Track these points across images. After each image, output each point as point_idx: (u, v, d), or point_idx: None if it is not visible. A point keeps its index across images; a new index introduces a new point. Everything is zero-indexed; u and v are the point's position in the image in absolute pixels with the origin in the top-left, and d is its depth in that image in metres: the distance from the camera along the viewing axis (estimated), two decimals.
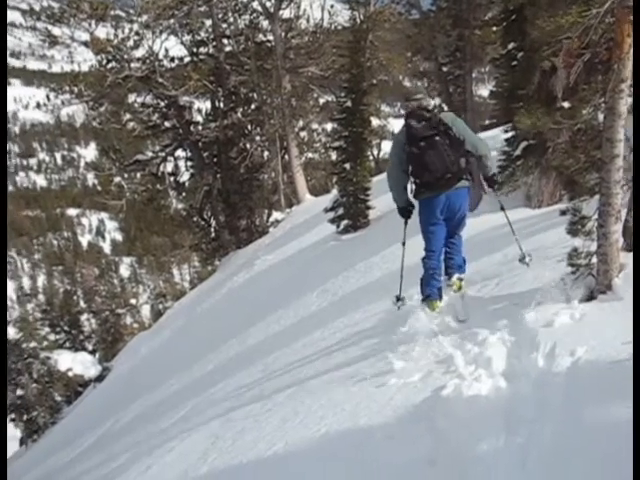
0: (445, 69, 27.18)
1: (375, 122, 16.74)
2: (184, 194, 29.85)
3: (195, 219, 29.59)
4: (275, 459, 4.09)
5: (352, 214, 15.07)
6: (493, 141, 14.54)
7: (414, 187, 6.14)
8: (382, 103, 39.05)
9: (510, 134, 11.61)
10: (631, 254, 4.94)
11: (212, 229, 29.20)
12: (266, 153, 29.27)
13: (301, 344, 8.18)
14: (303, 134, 30.15)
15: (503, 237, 8.72)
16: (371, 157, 24.87)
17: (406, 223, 6.53)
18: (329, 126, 30.01)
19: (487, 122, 24.70)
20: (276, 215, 29.01)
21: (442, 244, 6.31)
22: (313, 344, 7.58)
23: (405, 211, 6.38)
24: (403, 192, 6.27)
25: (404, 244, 6.81)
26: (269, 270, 16.74)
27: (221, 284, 19.10)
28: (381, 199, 15.34)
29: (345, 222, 15.22)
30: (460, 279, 6.39)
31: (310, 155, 31.50)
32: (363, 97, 15.03)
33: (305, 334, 8.42)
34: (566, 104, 8.79)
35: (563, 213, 5.28)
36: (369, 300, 8.34)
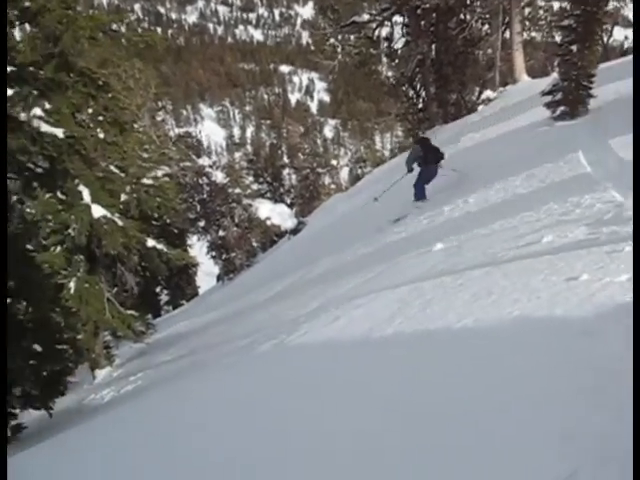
0: None
1: (612, 3, 15.22)
2: (396, 61, 29.39)
3: (404, 88, 29.19)
4: (464, 333, 4.09)
5: (571, 100, 14.10)
6: None
7: (422, 163, 13.80)
8: None
9: None
10: None
11: (420, 100, 28.70)
12: (486, 27, 27.80)
13: (498, 225, 7.99)
14: (528, 10, 28.15)
15: None
16: (600, 42, 22.84)
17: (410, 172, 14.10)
18: (556, 4, 27.71)
19: None
20: (487, 93, 27.92)
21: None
22: (513, 228, 7.37)
23: (410, 170, 13.97)
24: (412, 168, 13.96)
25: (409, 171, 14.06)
26: (473, 148, 16.34)
27: None
28: (605, 88, 14.18)
29: (562, 108, 14.31)
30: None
31: (533, 34, 29.50)
32: None
33: (504, 217, 8.19)
34: None
35: None
36: (578, 191, 7.91)
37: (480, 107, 26.08)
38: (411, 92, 29.23)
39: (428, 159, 13.75)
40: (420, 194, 13.91)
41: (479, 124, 19.54)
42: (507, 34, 25.73)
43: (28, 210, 15.75)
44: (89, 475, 4.51)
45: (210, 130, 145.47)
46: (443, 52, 26.92)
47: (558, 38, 17.59)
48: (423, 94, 28.56)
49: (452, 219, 10.60)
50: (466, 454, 2.60)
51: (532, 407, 2.78)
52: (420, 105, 29.02)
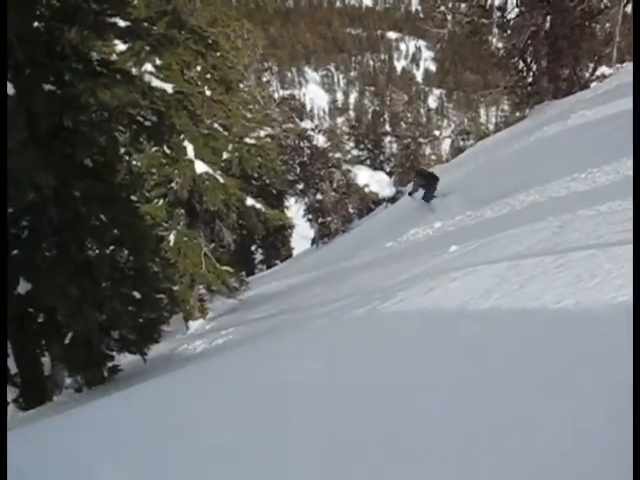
0: None
1: None
2: (508, 32, 28.44)
3: (514, 60, 28.28)
4: (563, 314, 3.95)
5: None
6: None
7: (424, 187, 17.90)
8: None
9: None
10: None
11: (530, 73, 27.76)
12: None
13: (606, 207, 7.67)
14: None
15: None
16: None
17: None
18: None
19: None
20: (603, 70, 26.69)
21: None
22: (622, 211, 7.04)
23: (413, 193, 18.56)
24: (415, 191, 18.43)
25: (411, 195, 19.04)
26: (584, 126, 15.70)
27: (529, 132, 18.41)
28: None
29: None
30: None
31: None
32: None
33: (613, 199, 7.85)
34: None
35: None
36: None
37: (594, 84, 24.97)
38: (521, 65, 28.29)
39: (427, 186, 17.94)
40: (428, 199, 17.80)
41: (592, 101, 18.73)
42: (629, 8, 24.41)
43: (134, 162, 16.29)
44: (171, 418, 4.66)
45: (314, 94, 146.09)
46: (558, 24, 25.78)
47: None
48: (534, 67, 27.57)
49: (555, 199, 10.27)
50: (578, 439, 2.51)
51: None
52: (530, 79, 28.07)
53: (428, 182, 17.91)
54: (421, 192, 18.00)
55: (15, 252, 11.04)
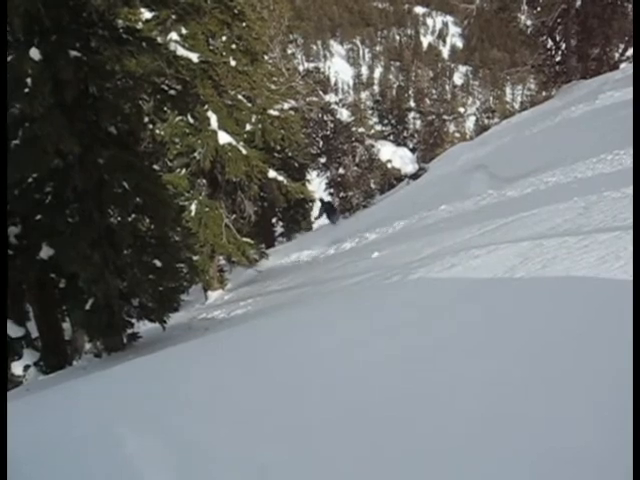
0: None
1: None
2: (538, 9, 27.89)
3: (543, 38, 27.74)
4: (587, 295, 3.92)
5: None
6: None
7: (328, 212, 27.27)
8: None
9: None
10: None
11: (559, 52, 27.23)
12: None
13: (631, 190, 7.57)
14: None
15: None
16: None
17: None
18: None
19: None
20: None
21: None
22: None
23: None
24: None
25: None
26: (612, 107, 15.41)
27: (555, 112, 18.12)
28: None
29: None
30: None
31: None
32: None
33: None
34: None
35: None
36: None
37: (624, 64, 24.49)
38: (550, 43, 27.72)
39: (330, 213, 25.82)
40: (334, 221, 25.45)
41: (621, 82, 18.35)
42: None
43: (158, 131, 16.29)
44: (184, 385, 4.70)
45: (339, 67, 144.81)
46: (589, 3, 25.21)
47: None
48: (563, 46, 27.02)
49: (580, 180, 10.14)
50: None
51: None
52: (558, 58, 27.54)
53: (329, 210, 26.18)
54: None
55: (38, 217, 11.14)
